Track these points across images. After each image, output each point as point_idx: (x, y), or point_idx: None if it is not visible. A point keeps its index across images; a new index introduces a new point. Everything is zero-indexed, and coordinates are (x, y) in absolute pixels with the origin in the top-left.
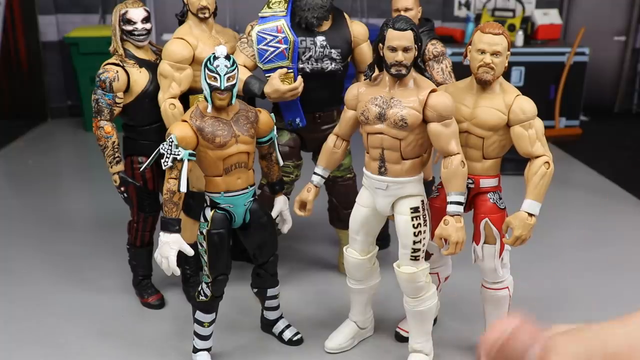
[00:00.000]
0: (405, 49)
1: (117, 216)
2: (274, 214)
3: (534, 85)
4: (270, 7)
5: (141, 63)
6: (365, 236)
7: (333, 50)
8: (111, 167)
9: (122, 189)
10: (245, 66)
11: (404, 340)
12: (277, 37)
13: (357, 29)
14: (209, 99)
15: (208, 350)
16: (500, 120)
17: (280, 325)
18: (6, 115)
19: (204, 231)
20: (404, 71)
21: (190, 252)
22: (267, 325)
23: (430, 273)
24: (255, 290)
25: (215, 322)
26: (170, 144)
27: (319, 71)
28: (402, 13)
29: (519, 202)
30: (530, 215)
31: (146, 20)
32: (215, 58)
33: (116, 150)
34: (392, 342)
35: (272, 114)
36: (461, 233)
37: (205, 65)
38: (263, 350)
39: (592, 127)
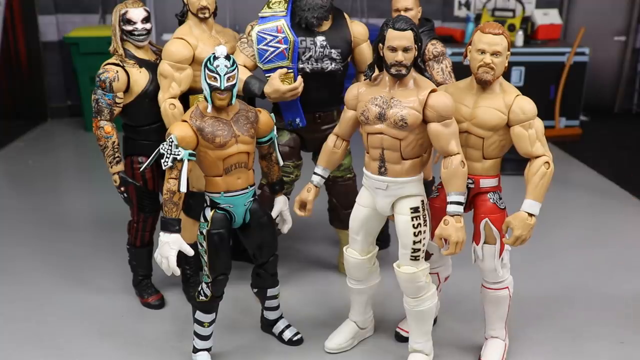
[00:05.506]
0: (405, 49)
1: (117, 216)
2: (274, 214)
3: (534, 85)
4: (270, 7)
5: (141, 63)
6: (365, 236)
7: (333, 50)
8: (111, 167)
9: (122, 189)
10: (245, 66)
11: (404, 340)
12: (277, 37)
13: (357, 29)
14: (209, 99)
15: (208, 350)
16: (500, 120)
17: (280, 325)
18: (6, 115)
19: (204, 231)
20: (404, 71)
21: (190, 252)
22: (267, 325)
23: (430, 273)
24: (255, 290)
25: (215, 322)
26: (170, 144)
27: (319, 71)
28: (402, 13)
29: (519, 202)
30: (530, 215)
31: (146, 20)
32: (215, 58)
33: (116, 150)
34: (392, 342)
35: (272, 114)
36: (461, 233)
37: (205, 65)
38: (263, 350)
39: (592, 127)
